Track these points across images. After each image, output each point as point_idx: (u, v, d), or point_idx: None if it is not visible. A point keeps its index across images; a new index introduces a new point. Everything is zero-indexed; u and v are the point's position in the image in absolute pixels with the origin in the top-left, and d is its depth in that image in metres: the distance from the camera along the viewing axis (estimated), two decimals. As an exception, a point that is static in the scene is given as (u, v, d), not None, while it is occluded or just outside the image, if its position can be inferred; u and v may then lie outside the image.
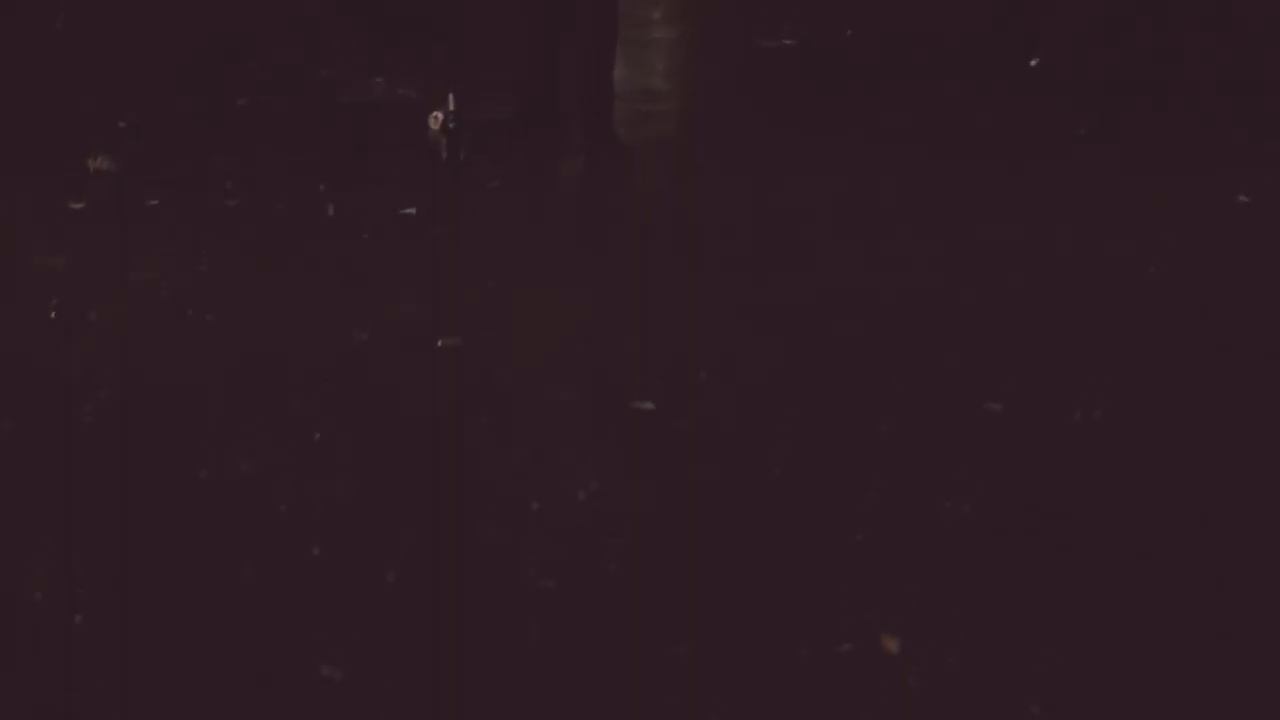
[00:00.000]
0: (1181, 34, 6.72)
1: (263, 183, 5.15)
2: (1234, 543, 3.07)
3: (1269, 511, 3.12)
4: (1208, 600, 2.85)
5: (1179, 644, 2.72)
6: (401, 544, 3.00)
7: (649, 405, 3.50)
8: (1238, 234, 4.67)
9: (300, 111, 6.02)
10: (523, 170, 5.24)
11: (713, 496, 3.17)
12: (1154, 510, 3.15)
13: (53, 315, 3.96)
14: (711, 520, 3.09)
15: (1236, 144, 5.38)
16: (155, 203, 4.91)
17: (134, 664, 2.67)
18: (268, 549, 2.98)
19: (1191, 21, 6.83)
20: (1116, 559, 3.00)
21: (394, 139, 5.68)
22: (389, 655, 2.67)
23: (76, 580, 2.92)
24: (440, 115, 5.68)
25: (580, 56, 5.46)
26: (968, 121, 5.81)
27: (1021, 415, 3.50)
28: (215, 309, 4.05)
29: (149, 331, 3.92)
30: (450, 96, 5.34)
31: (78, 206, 4.84)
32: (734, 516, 3.11)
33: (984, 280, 4.22)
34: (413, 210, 4.82)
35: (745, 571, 2.93)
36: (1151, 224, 4.59)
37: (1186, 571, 2.96)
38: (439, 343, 3.86)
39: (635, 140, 5.60)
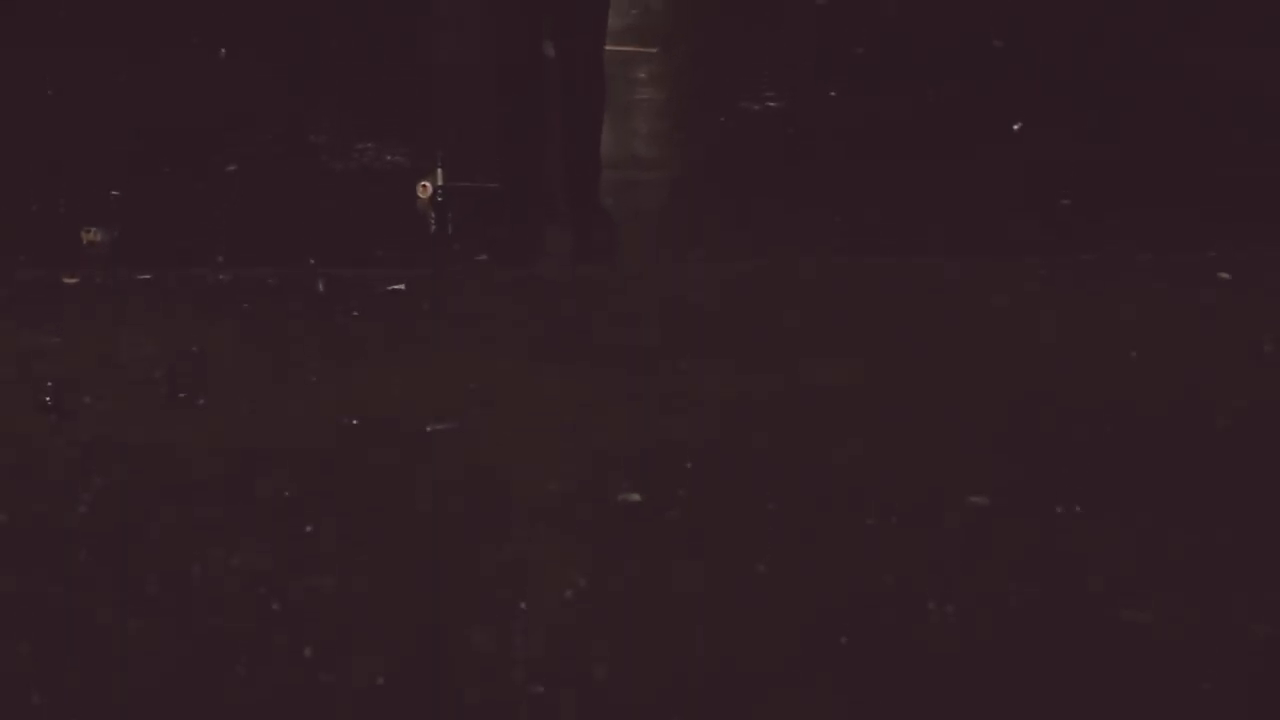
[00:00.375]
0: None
1: (254, 256, 5.18)
2: (1220, 636, 3.10)
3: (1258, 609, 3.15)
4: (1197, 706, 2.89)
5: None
6: (392, 645, 3.02)
7: (636, 497, 3.52)
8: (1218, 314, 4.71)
9: (290, 179, 6.05)
10: (510, 244, 5.28)
11: (699, 593, 3.19)
12: (1141, 603, 3.18)
13: (47, 400, 3.96)
14: (698, 618, 3.11)
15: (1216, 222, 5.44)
16: (147, 277, 4.93)
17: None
18: (260, 650, 3.00)
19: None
20: (1102, 653, 3.03)
21: (384, 208, 5.71)
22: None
23: (71, 676, 2.94)
24: (429, 185, 5.71)
25: (567, 128, 5.48)
26: (951, 196, 5.85)
27: (1006, 509, 3.52)
28: (207, 392, 4.06)
29: (142, 417, 3.93)
30: (439, 171, 5.34)
31: (71, 281, 4.86)
32: (720, 615, 3.13)
33: (968, 371, 4.25)
34: (402, 286, 4.84)
35: (735, 673, 2.96)
36: (1130, 312, 4.62)
37: (1172, 662, 3.00)
38: (428, 428, 3.88)
39: (622, 211, 5.64)
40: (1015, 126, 6.90)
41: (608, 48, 8.82)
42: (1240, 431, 3.88)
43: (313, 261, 5.11)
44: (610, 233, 5.35)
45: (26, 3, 9.53)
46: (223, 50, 8.56)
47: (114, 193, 5.80)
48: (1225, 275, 4.95)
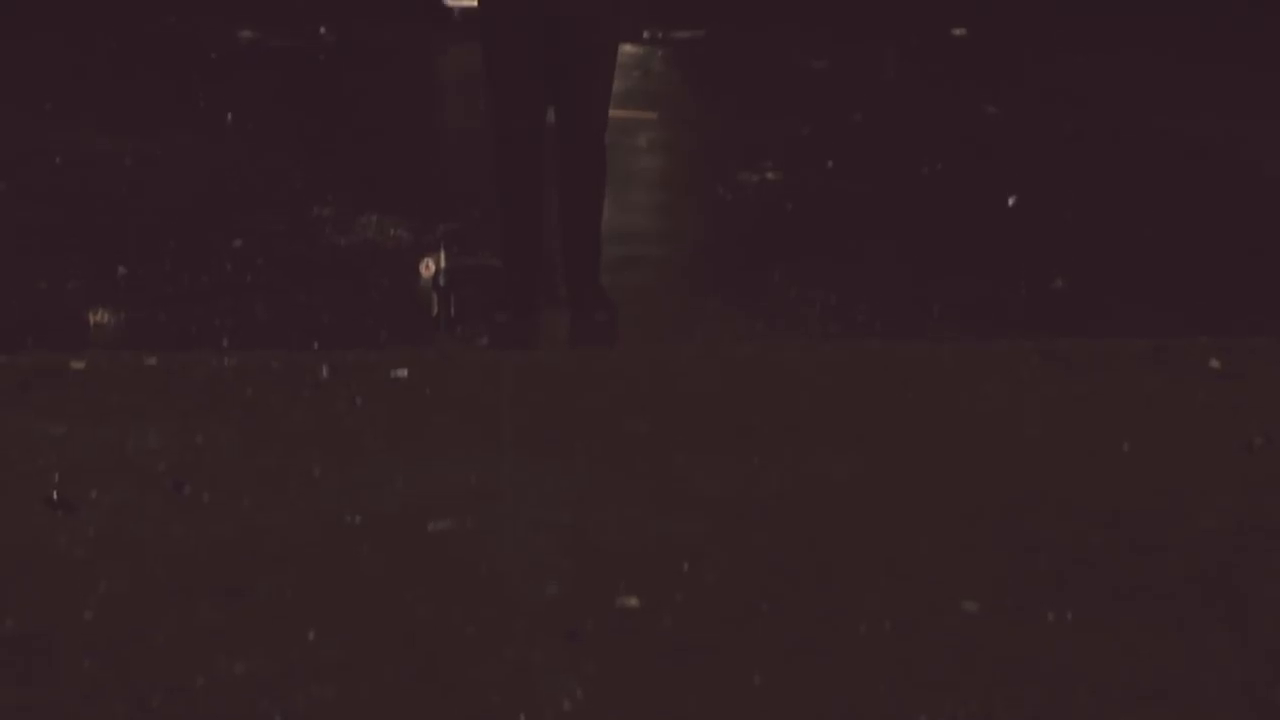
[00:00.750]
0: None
1: (259, 337, 5.22)
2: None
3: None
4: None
5: None
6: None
7: (633, 602, 3.55)
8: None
9: (295, 255, 6.10)
10: (511, 328, 5.31)
11: (695, 708, 3.22)
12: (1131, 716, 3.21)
13: (54, 495, 4.00)
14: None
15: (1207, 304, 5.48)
16: (153, 361, 4.97)
17: None
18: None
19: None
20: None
21: (387, 286, 5.76)
22: None
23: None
24: (432, 263, 5.75)
25: (567, 208, 5.48)
26: (947, 273, 5.89)
27: (997, 614, 3.55)
28: (211, 486, 4.09)
29: (147, 513, 3.96)
30: (442, 253, 5.39)
31: (78, 365, 4.89)
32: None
33: (962, 466, 4.28)
34: (404, 372, 4.88)
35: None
36: (1123, 402, 4.66)
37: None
38: (429, 527, 3.91)
39: (622, 290, 5.66)
40: (1010, 200, 6.96)
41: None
42: (1230, 533, 3.91)
43: (316, 345, 5.14)
44: (610, 314, 5.37)
45: (30, 77, 9.63)
46: (229, 116, 8.66)
47: (121, 269, 5.84)
48: (1216, 364, 4.99)
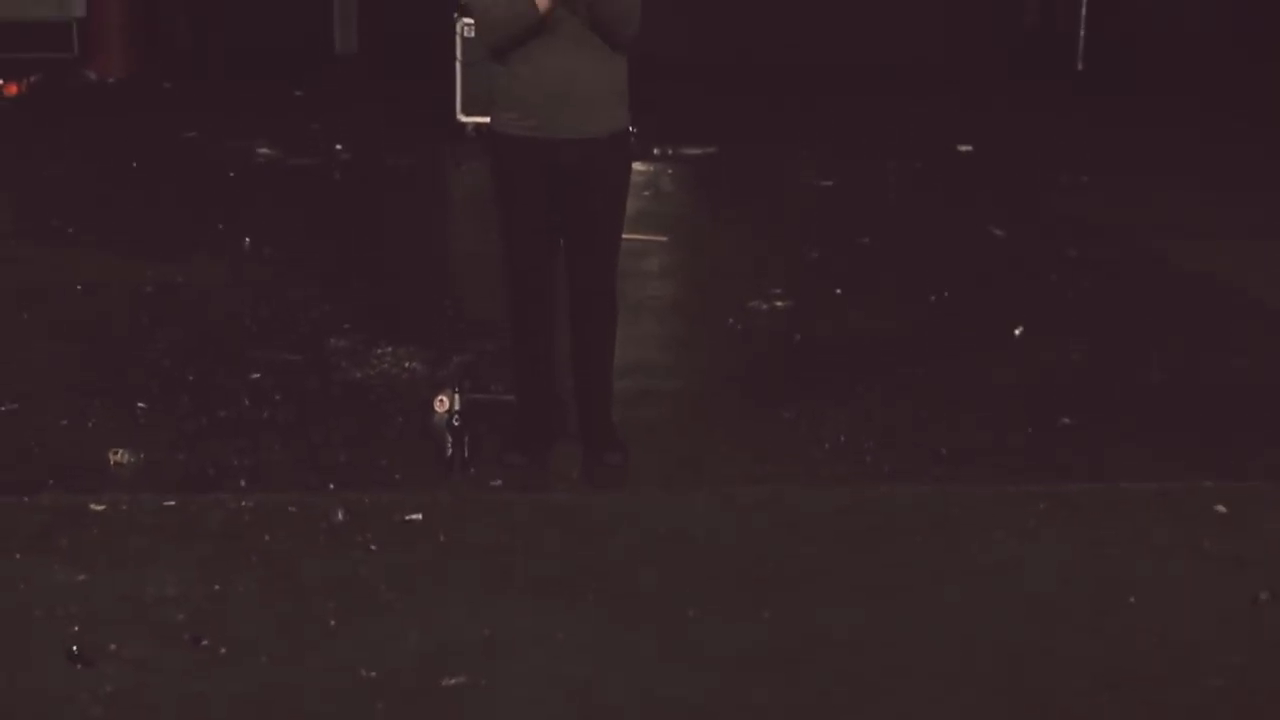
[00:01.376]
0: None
1: (276, 479, 5.25)
2: None
3: None
4: None
5: None
6: None
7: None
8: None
9: (311, 391, 6.14)
10: (524, 469, 5.33)
11: None
12: None
13: (74, 649, 4.02)
14: None
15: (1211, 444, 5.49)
16: (172, 502, 5.00)
17: None
18: None
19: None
20: None
21: (401, 422, 5.79)
22: None
23: None
24: (446, 400, 5.79)
25: (579, 349, 5.51)
26: (953, 411, 5.92)
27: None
28: (228, 639, 4.11)
29: (164, 666, 3.97)
30: (456, 395, 5.42)
31: (98, 508, 4.93)
32: None
33: (968, 617, 4.29)
34: (418, 516, 4.91)
35: None
36: (1128, 551, 4.67)
37: None
38: (443, 682, 3.92)
39: (633, 427, 5.69)
40: (1017, 332, 7.00)
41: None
42: (1238, 694, 3.91)
43: (332, 486, 5.17)
44: (622, 457, 5.40)
45: (53, 200, 9.74)
46: (247, 240, 8.75)
47: (140, 405, 5.89)
48: (1221, 509, 5.01)
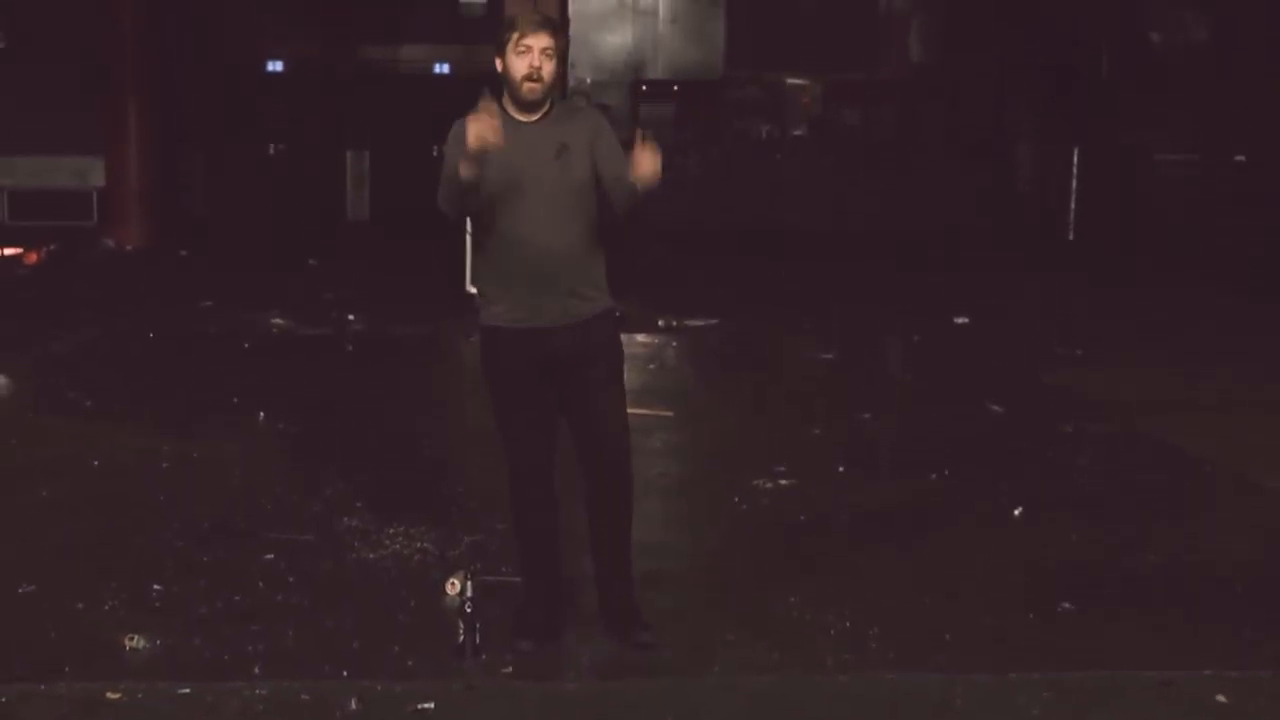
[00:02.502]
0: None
1: (290, 665, 5.22)
2: None
3: None
4: None
5: None
6: None
7: None
8: None
9: (324, 570, 6.14)
10: (535, 655, 5.31)
11: None
12: None
13: None
14: None
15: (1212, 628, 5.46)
16: (187, 690, 4.98)
17: None
18: None
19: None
20: None
21: (413, 606, 5.77)
22: None
23: None
24: (457, 583, 5.79)
25: (597, 532, 5.49)
26: (956, 595, 5.91)
27: None
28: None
29: None
30: (468, 581, 5.41)
31: (114, 696, 4.90)
32: None
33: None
34: (430, 705, 4.88)
35: None
36: None
37: None
38: None
39: (642, 608, 5.68)
40: (1016, 512, 7.01)
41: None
42: None
43: (345, 674, 5.14)
44: (651, 635, 5.38)
45: (70, 374, 9.81)
46: (261, 415, 8.79)
47: (156, 587, 5.88)
48: (1222, 699, 4.98)
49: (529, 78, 5.10)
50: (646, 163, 4.93)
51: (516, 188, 5.12)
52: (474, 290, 11.55)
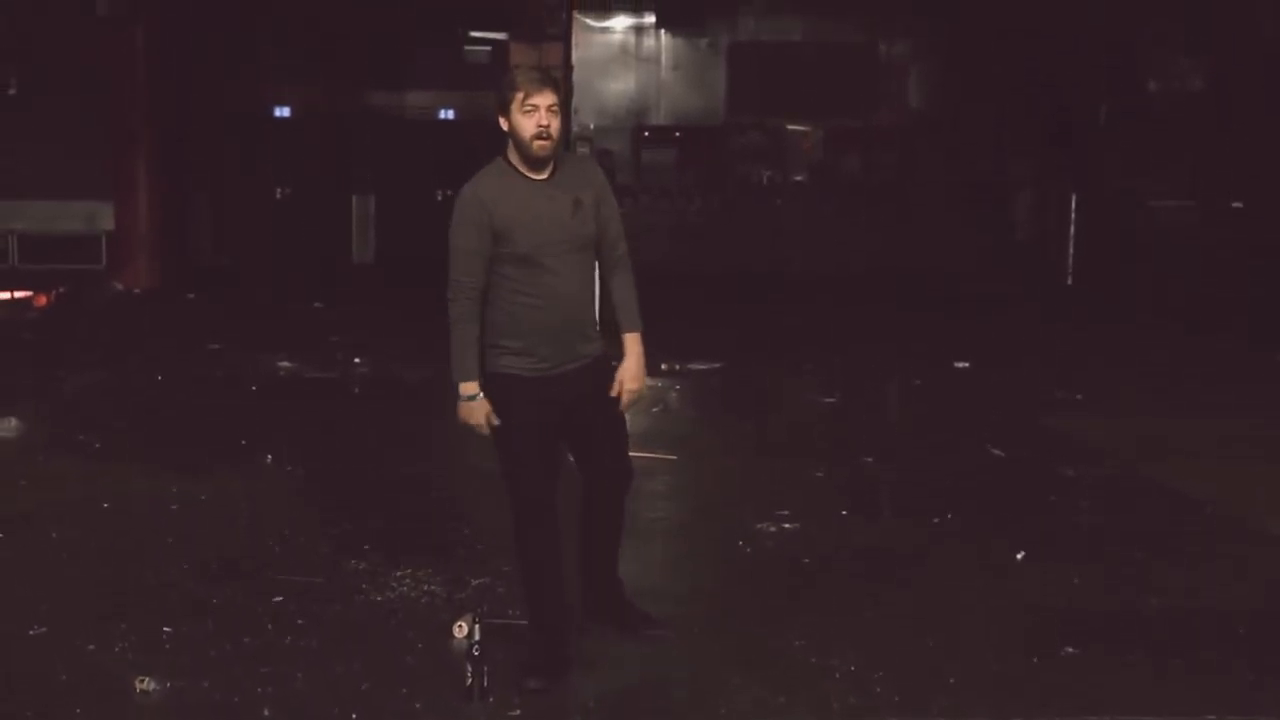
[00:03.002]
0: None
1: (300, 708, 5.22)
2: None
3: None
4: None
5: None
6: None
7: None
8: None
9: (333, 612, 6.14)
10: (542, 694, 5.31)
11: None
12: None
13: None
14: None
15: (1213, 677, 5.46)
16: (198, 732, 4.98)
17: None
18: None
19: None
20: None
21: (421, 649, 5.77)
22: None
23: None
24: (464, 626, 5.80)
25: (599, 542, 5.69)
26: (957, 643, 5.91)
27: None
28: None
29: None
30: (473, 617, 5.42)
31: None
32: None
33: None
34: (440, 751, 4.88)
35: None
36: None
37: None
38: None
39: (644, 655, 5.69)
40: (1019, 556, 7.02)
41: (630, 455, 9.07)
42: None
43: (354, 717, 5.14)
44: (664, 630, 5.77)
45: (79, 416, 9.83)
46: (269, 457, 8.81)
47: (166, 629, 5.89)
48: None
49: (539, 136, 5.20)
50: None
51: (541, 248, 5.27)
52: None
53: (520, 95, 5.15)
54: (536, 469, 5.40)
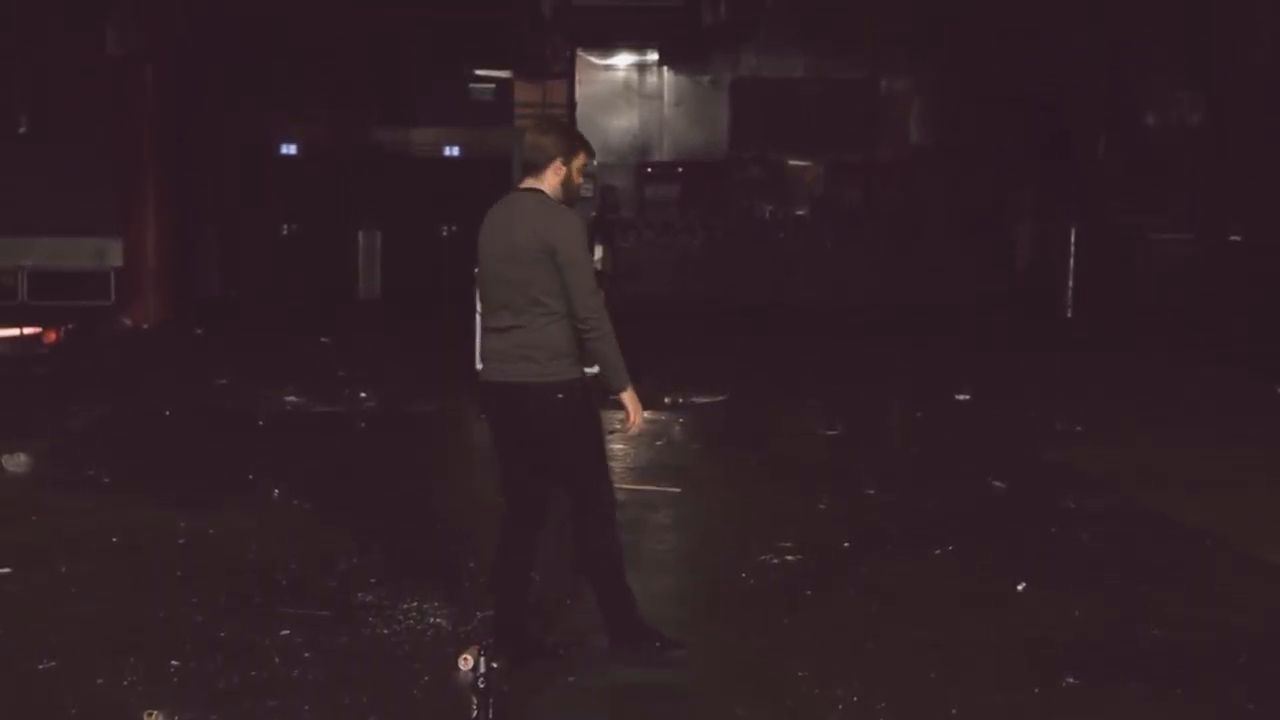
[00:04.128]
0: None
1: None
2: None
3: None
4: None
5: None
6: None
7: None
8: None
9: (339, 644, 6.15)
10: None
11: None
12: None
13: None
14: None
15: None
16: (205, 765, 4.99)
17: None
18: None
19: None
20: None
21: (427, 682, 5.77)
22: None
23: None
24: (470, 659, 5.80)
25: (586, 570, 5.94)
26: (962, 673, 5.91)
27: None
28: None
29: None
30: (479, 651, 5.42)
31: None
32: None
33: None
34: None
35: None
36: None
37: None
38: None
39: (648, 688, 5.70)
40: (1020, 587, 7.03)
41: (633, 488, 9.08)
42: None
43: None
44: (663, 643, 6.00)
45: (86, 450, 9.85)
46: (276, 491, 8.82)
47: (174, 663, 5.90)
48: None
49: (582, 192, 6.23)
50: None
51: None
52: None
53: (585, 160, 5.93)
54: (514, 485, 5.97)
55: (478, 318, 12.38)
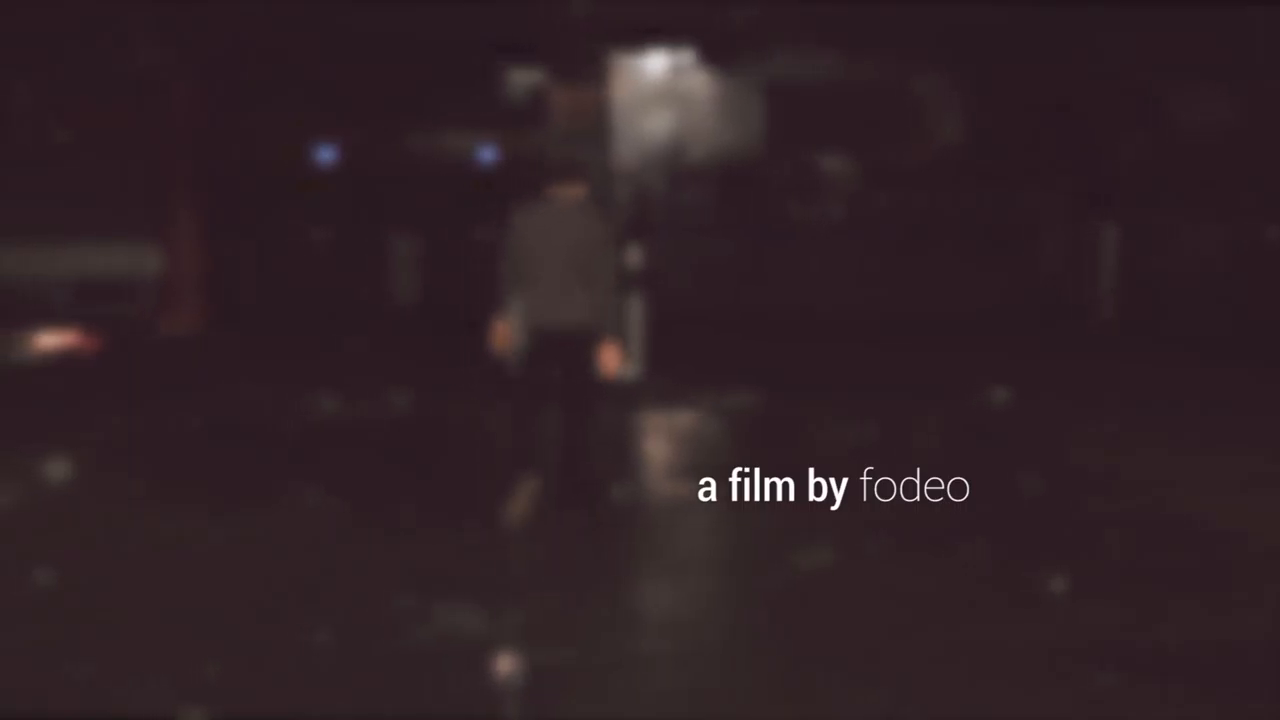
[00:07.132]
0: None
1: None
2: None
3: None
4: None
5: None
6: None
7: None
8: None
9: (376, 649, 6.19)
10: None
11: None
12: None
13: None
14: None
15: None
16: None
17: None
18: None
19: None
20: None
21: (465, 685, 5.81)
22: None
23: None
24: (506, 661, 5.84)
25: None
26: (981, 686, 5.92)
27: None
28: None
29: None
30: (514, 653, 5.46)
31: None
32: None
33: None
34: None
35: None
36: None
37: None
38: None
39: (672, 693, 5.71)
40: (1051, 589, 7.02)
41: (665, 494, 9.08)
42: None
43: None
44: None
45: (121, 457, 9.93)
46: (309, 496, 8.88)
47: (210, 666, 5.95)
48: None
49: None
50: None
51: None
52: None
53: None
54: (528, 401, 8.47)
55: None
